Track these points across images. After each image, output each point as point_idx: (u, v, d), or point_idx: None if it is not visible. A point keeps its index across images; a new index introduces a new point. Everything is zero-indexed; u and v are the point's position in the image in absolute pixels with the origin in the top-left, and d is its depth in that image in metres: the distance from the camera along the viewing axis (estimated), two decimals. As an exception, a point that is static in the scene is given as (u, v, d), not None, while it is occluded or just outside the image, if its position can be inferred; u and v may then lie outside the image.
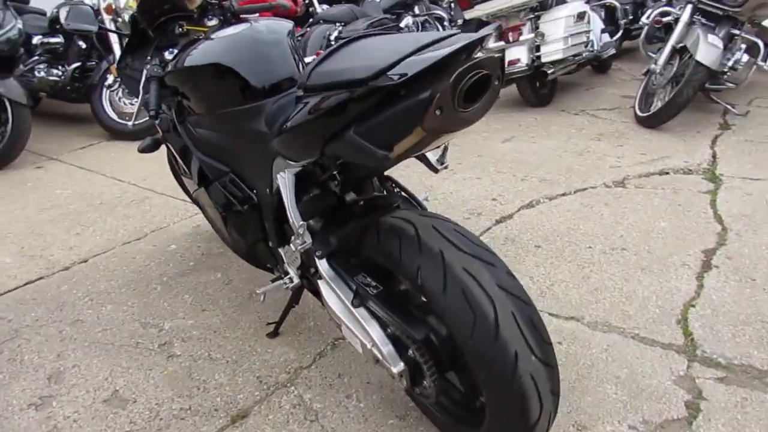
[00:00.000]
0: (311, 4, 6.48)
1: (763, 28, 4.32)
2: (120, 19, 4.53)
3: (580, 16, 4.71)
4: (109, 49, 4.81)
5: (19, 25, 4.10)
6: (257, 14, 2.30)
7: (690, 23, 4.19)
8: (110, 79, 4.59)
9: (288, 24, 1.87)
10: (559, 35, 4.56)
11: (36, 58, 4.81)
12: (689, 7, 4.20)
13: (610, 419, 1.63)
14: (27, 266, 2.69)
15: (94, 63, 4.89)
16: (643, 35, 5.07)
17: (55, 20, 4.77)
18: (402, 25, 5.67)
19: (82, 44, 4.89)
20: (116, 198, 3.49)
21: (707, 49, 3.89)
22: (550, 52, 4.61)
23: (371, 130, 1.15)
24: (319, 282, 1.53)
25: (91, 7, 4.24)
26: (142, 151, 2.37)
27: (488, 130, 4.50)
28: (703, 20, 4.17)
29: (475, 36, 1.08)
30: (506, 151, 4.01)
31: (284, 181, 1.49)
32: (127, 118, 4.67)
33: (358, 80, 1.11)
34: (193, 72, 1.81)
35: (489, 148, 4.09)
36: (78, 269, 2.65)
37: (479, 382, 1.29)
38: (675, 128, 4.18)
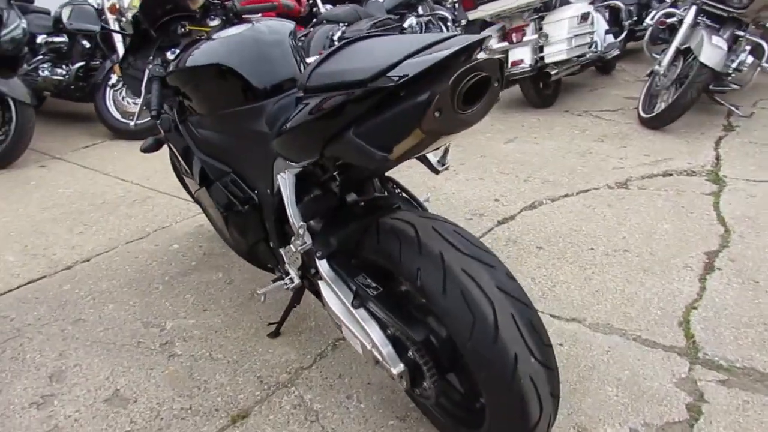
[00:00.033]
0: (315, 4, 6.48)
1: (767, 30, 4.30)
2: (124, 19, 4.55)
3: (584, 17, 4.70)
4: (113, 49, 4.83)
5: (24, 25, 4.11)
6: (259, 14, 2.30)
7: (694, 24, 4.17)
8: (114, 78, 4.60)
9: (290, 24, 1.87)
10: (562, 36, 4.55)
11: (40, 57, 4.84)
12: (693, 8, 4.19)
13: (611, 421, 1.63)
14: (29, 265, 2.70)
15: (97, 62, 4.91)
16: (647, 36, 5.07)
17: (59, 20, 4.78)
18: (405, 25, 5.66)
19: (86, 44, 4.91)
20: (119, 197, 3.50)
21: (711, 50, 3.88)
22: (554, 53, 4.60)
23: (370, 131, 1.14)
24: (320, 282, 1.53)
25: (94, 6, 4.26)
26: (144, 150, 2.37)
27: (491, 131, 4.49)
28: (708, 21, 4.16)
29: (474, 38, 1.08)
30: (509, 151, 4.00)
31: (284, 181, 1.49)
32: (130, 118, 4.69)
33: (357, 81, 1.11)
34: (195, 72, 1.81)
35: (492, 148, 4.09)
36: (80, 268, 2.65)
37: (479, 384, 1.29)
38: (679, 130, 4.17)
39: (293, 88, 1.63)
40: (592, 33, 4.89)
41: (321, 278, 1.51)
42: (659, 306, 2.14)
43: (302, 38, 4.99)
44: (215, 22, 2.19)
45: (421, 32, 5.78)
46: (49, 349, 2.07)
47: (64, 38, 4.89)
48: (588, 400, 1.71)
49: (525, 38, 4.65)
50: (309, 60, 1.79)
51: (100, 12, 4.55)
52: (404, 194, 1.74)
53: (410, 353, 1.39)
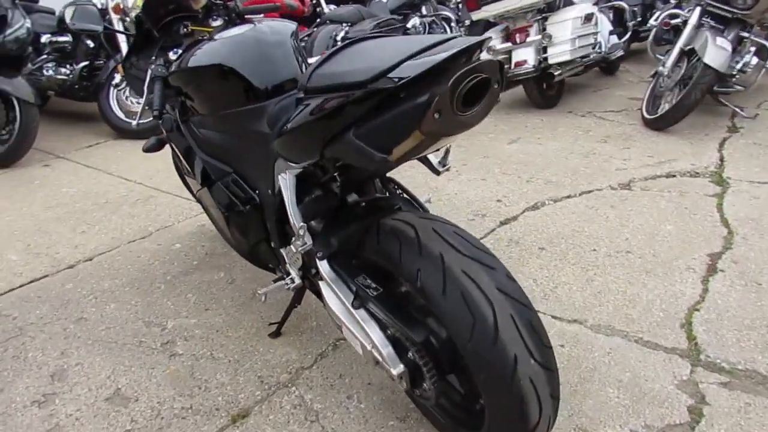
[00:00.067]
0: (318, 4, 6.49)
1: (772, 31, 4.29)
2: (128, 19, 4.56)
3: (588, 17, 4.69)
4: (117, 49, 4.84)
5: (28, 24, 4.12)
6: (262, 15, 2.31)
7: (699, 26, 4.16)
8: (117, 78, 4.64)
9: (291, 25, 1.87)
10: (566, 37, 4.54)
11: (44, 56, 4.86)
12: (698, 9, 4.17)
13: (612, 423, 1.62)
14: (32, 264, 2.71)
15: (101, 62, 4.93)
16: (651, 37, 5.04)
17: (63, 19, 4.80)
18: (409, 25, 5.67)
19: (90, 43, 4.92)
20: (122, 197, 3.51)
21: (716, 51, 3.86)
22: (557, 53, 4.59)
23: (370, 132, 1.14)
24: (320, 283, 1.53)
25: (98, 6, 4.27)
26: (146, 150, 2.38)
27: (494, 131, 4.49)
28: (712, 23, 4.14)
29: (474, 40, 1.08)
30: (512, 152, 4.00)
31: (285, 182, 1.50)
32: (133, 117, 4.69)
33: (357, 83, 1.11)
34: (197, 72, 1.81)
35: (495, 149, 4.08)
36: (83, 267, 2.66)
37: (478, 385, 1.28)
38: (682, 131, 4.16)
39: (294, 88, 1.63)
40: (595, 34, 4.88)
41: (321, 279, 1.51)
42: (661, 308, 2.13)
43: (305, 38, 4.99)
44: (218, 23, 2.20)
45: (424, 32, 5.78)
46: (51, 347, 2.08)
47: (68, 38, 4.91)
48: (589, 402, 1.70)
49: (528, 39, 4.64)
50: (311, 60, 1.79)
51: (104, 12, 4.58)
52: (405, 195, 1.74)
53: (410, 354, 1.39)
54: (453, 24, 6.26)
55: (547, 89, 5.03)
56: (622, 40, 5.68)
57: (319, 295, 1.64)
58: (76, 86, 4.91)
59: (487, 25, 5.27)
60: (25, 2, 4.68)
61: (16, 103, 4.01)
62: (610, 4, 5.92)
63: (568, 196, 3.17)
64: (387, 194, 1.71)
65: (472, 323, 1.20)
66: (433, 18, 6.12)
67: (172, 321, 2.21)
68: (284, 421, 1.70)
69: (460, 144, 4.11)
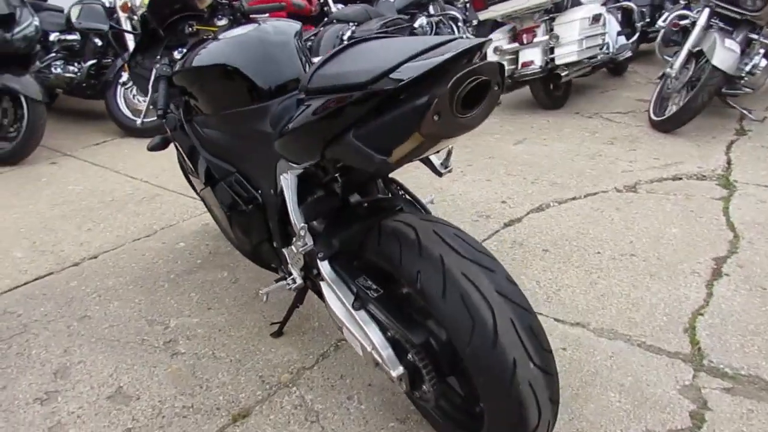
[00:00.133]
0: (326, 3, 6.49)
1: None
2: (135, 17, 4.58)
3: (596, 18, 4.67)
4: (125, 47, 4.87)
5: (36, 23, 4.15)
6: (267, 14, 2.31)
7: (707, 27, 4.13)
8: (125, 76, 4.63)
9: (296, 25, 1.87)
10: (573, 37, 4.53)
11: (53, 54, 4.88)
12: (707, 10, 4.14)
13: (613, 428, 1.62)
14: (37, 261, 2.72)
15: (109, 60, 4.95)
16: (659, 38, 5.02)
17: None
18: (416, 25, 5.64)
19: (98, 42, 4.95)
20: (127, 195, 3.53)
21: (724, 53, 3.84)
22: (565, 54, 4.57)
23: (370, 134, 1.14)
24: (321, 284, 1.53)
25: (106, 5, 4.29)
26: (151, 149, 2.39)
27: (500, 132, 4.47)
28: (721, 24, 4.11)
29: (475, 41, 1.07)
30: (517, 153, 3.99)
31: (287, 182, 1.50)
32: (140, 116, 4.72)
33: (357, 84, 1.11)
34: (200, 72, 1.82)
35: (500, 149, 4.07)
36: (87, 265, 2.67)
37: (478, 388, 1.28)
38: (690, 133, 4.13)
39: (297, 88, 1.63)
40: (603, 34, 4.85)
41: (322, 279, 1.51)
42: (665, 311, 2.12)
43: (312, 38, 4.99)
44: (223, 22, 2.21)
45: (431, 32, 5.77)
46: (54, 345, 2.09)
47: (76, 36, 4.93)
48: (590, 406, 1.69)
49: (536, 39, 4.63)
50: (317, 60, 1.79)
51: (111, 10, 4.60)
52: (407, 196, 1.73)
53: (410, 356, 1.39)
54: (460, 24, 6.24)
55: (553, 90, 5.01)
56: (630, 41, 5.65)
57: (320, 295, 1.64)
58: (84, 84, 4.94)
59: (494, 25, 5.25)
60: (34, 0, 4.71)
61: (24, 100, 4.03)
62: (618, 4, 5.89)
63: (573, 198, 3.16)
64: (389, 195, 1.71)
65: (472, 326, 1.20)
66: (441, 18, 6.10)
67: (174, 320, 2.22)
68: (284, 421, 1.70)
69: (465, 144, 4.11)
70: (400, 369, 1.39)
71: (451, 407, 1.53)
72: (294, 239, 1.53)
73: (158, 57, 2.14)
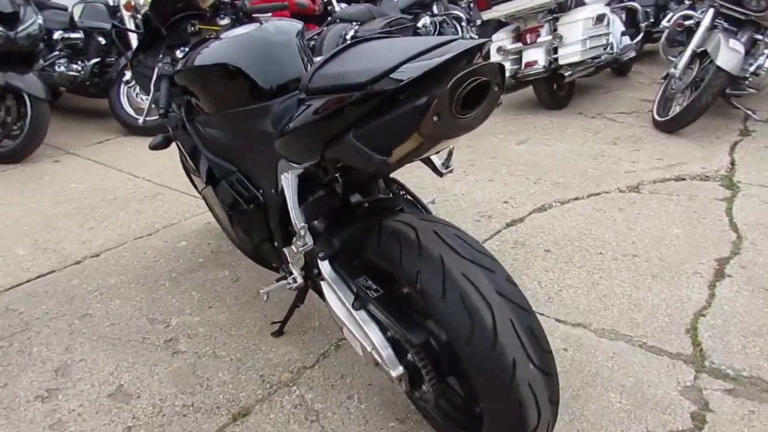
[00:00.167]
0: (329, 2, 6.49)
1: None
2: (139, 16, 4.58)
3: (599, 18, 4.66)
4: (128, 46, 4.87)
5: (40, 21, 4.15)
6: (270, 13, 2.31)
7: (711, 27, 4.12)
8: (128, 75, 4.67)
9: (297, 24, 1.87)
10: (577, 38, 4.51)
11: (56, 53, 4.89)
12: (711, 11, 4.13)
13: (614, 429, 1.61)
14: (40, 259, 2.73)
15: (113, 59, 4.95)
16: (663, 38, 5.01)
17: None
18: (419, 25, 5.65)
19: (102, 40, 4.95)
20: (130, 193, 3.53)
21: (728, 53, 3.83)
22: (568, 54, 4.56)
23: (370, 134, 1.14)
24: (322, 283, 1.53)
25: (109, 3, 4.29)
26: (152, 148, 2.39)
27: (503, 132, 4.47)
28: (725, 24, 4.10)
29: (475, 42, 1.07)
30: (520, 153, 3.98)
31: (287, 182, 1.50)
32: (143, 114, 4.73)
33: (357, 84, 1.11)
34: (202, 71, 1.82)
35: (503, 150, 4.07)
36: (89, 263, 2.68)
37: (477, 389, 1.28)
38: (693, 133, 4.12)
39: (298, 88, 1.63)
40: (607, 35, 4.84)
41: (323, 279, 1.51)
42: (667, 312, 2.11)
43: (315, 37, 4.99)
44: (225, 21, 2.21)
45: (435, 32, 5.76)
46: (55, 343, 2.09)
47: (80, 34, 4.93)
48: (591, 407, 1.69)
49: (539, 39, 4.62)
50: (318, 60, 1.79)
51: (115, 9, 4.60)
52: (408, 196, 1.73)
53: (409, 356, 1.38)
54: (464, 23, 6.23)
55: (557, 90, 5.00)
56: (635, 41, 5.64)
57: (321, 295, 1.64)
58: (87, 83, 4.95)
59: (498, 24, 5.25)
60: (38, -1, 4.72)
61: (27, 99, 4.04)
62: (622, 4, 5.88)
63: (576, 198, 3.16)
64: (390, 195, 1.71)
65: (471, 327, 1.19)
66: (444, 17, 6.10)
67: (175, 318, 2.22)
68: (284, 421, 1.70)
69: (468, 144, 4.10)
70: (400, 369, 1.39)
71: (451, 407, 1.53)
72: (294, 239, 1.53)
73: (160, 56, 2.15)
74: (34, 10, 4.18)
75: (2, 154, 4.19)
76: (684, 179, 3.35)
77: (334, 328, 2.08)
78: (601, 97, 5.43)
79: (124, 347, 2.06)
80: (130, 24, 4.72)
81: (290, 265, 1.73)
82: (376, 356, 1.42)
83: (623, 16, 5.74)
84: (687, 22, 4.47)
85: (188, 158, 2.12)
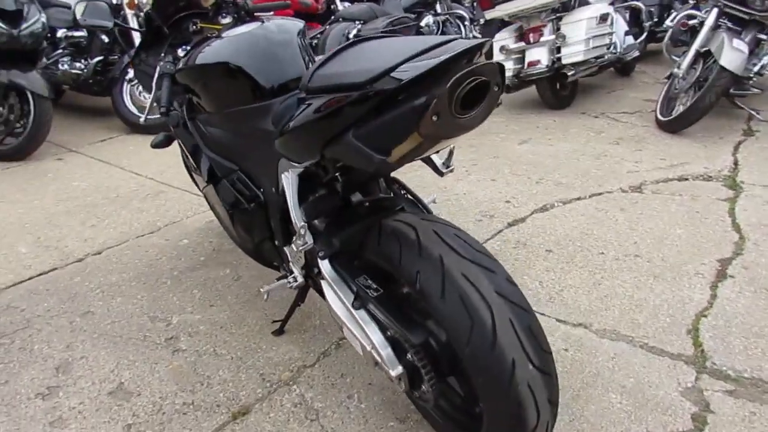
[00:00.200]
0: (333, 1, 6.49)
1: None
2: (142, 14, 4.58)
3: (603, 17, 4.64)
4: (131, 44, 4.87)
5: (43, 19, 4.16)
6: (272, 12, 2.31)
7: (715, 27, 4.11)
8: (131, 73, 4.67)
9: (299, 23, 1.87)
10: (580, 37, 4.50)
11: (60, 51, 4.90)
12: (715, 10, 4.12)
13: (614, 429, 1.61)
14: (42, 257, 2.73)
15: (116, 57, 4.97)
16: (667, 38, 5.00)
17: (77, 15, 4.85)
18: (422, 24, 5.64)
19: (105, 38, 4.96)
20: (132, 191, 3.54)
21: (732, 53, 3.81)
22: (571, 53, 4.55)
23: (369, 134, 1.14)
24: (322, 282, 1.53)
25: (111, 2, 4.29)
26: (154, 146, 2.39)
27: (505, 131, 4.46)
28: (729, 24, 4.09)
29: (475, 42, 1.06)
30: (522, 153, 3.97)
31: (288, 181, 1.50)
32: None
33: (356, 84, 1.11)
34: (203, 70, 1.82)
35: (505, 149, 4.06)
36: (91, 261, 2.68)
37: (476, 389, 1.28)
38: (696, 133, 4.11)
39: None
40: (611, 34, 4.83)
41: (323, 278, 1.51)
42: (668, 313, 2.10)
43: (318, 36, 4.99)
44: (227, 20, 2.21)
45: (438, 31, 5.76)
46: (57, 340, 2.10)
47: (83, 33, 4.94)
48: (591, 407, 1.69)
49: (542, 39, 4.61)
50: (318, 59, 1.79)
51: (118, 7, 4.61)
52: (409, 195, 1.73)
53: (409, 356, 1.38)
54: (467, 22, 6.23)
55: (560, 89, 4.99)
56: (638, 40, 5.62)
57: (321, 294, 1.64)
58: (91, 81, 4.96)
59: (501, 24, 5.23)
60: (42, -3, 4.73)
61: (30, 96, 4.05)
62: (626, 4, 5.86)
63: (578, 198, 3.15)
64: (391, 195, 1.70)
65: (471, 327, 1.19)
66: (447, 16, 6.09)
67: (176, 316, 2.22)
68: (284, 420, 1.70)
69: (470, 144, 4.10)
70: (399, 368, 1.39)
71: (451, 407, 1.53)
72: (295, 238, 1.53)
73: (162, 54, 2.15)
74: (38, 8, 4.19)
75: (5, 152, 4.20)
76: (687, 179, 3.34)
77: (334, 327, 2.08)
78: (604, 96, 5.42)
79: (125, 345, 2.06)
80: (132, 22, 4.73)
81: (291, 264, 1.73)
82: (375, 356, 1.42)
83: (627, 15, 5.73)
84: (691, 22, 4.45)
85: (189, 156, 2.12)
